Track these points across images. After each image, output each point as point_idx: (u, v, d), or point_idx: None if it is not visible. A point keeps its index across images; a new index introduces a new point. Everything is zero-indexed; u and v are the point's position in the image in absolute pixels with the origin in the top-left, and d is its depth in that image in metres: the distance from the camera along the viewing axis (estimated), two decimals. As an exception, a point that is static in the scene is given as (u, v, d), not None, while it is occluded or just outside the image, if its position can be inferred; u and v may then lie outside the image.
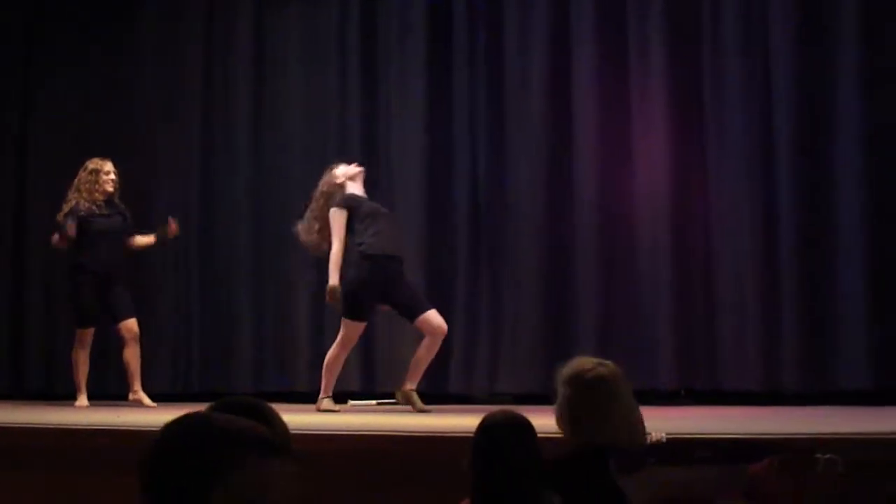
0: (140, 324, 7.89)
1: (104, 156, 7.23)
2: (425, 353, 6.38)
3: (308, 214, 6.62)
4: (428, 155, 7.62)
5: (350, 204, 6.46)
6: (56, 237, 7.07)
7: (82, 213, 7.02)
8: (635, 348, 6.83)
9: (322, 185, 6.63)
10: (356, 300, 6.30)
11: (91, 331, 7.10)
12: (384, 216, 6.52)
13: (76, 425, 5.11)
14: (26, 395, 8.14)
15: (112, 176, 7.14)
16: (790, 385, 6.66)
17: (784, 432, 4.06)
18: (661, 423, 4.56)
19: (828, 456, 2.97)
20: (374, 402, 7.31)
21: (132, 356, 7.07)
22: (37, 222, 8.31)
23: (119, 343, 7.11)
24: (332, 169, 6.66)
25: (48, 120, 8.60)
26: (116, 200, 7.18)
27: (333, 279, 6.32)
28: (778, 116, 6.86)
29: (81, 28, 8.55)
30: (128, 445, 4.32)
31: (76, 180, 7.12)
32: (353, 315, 6.33)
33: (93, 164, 7.14)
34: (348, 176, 6.60)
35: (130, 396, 7.05)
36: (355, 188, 6.58)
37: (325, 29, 8.01)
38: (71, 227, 6.97)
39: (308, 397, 7.39)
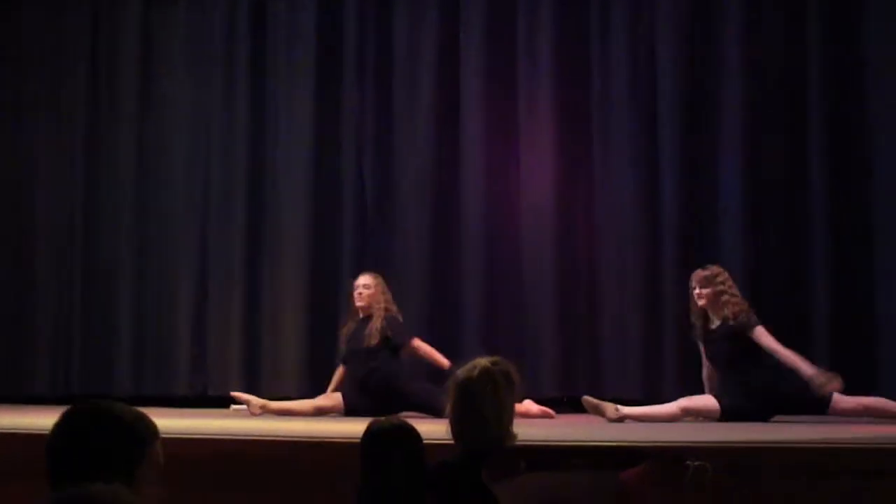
0: (19, 326, 7.72)
1: None
2: None
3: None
4: (315, 164, 7.60)
5: None
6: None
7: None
8: (518, 356, 6.88)
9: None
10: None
11: None
12: None
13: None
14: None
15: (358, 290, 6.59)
16: (670, 393, 6.80)
17: (656, 440, 4.16)
18: (540, 430, 4.64)
19: (697, 463, 3.05)
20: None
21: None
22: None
23: None
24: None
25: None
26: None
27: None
28: (662, 132, 7.02)
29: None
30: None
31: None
32: None
33: None
34: None
35: None
36: None
37: (212, 34, 7.92)
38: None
39: (187, 401, 7.34)
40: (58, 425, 2.08)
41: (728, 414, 5.80)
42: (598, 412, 5.87)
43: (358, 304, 6.57)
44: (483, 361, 3.17)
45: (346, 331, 6.65)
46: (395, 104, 7.52)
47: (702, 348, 6.19)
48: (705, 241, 6.93)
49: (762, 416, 5.77)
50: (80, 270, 7.98)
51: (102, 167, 8.04)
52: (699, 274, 6.12)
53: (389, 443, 2.98)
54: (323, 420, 6.21)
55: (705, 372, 6.18)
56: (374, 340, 6.46)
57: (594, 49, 7.20)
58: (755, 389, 5.87)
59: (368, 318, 6.55)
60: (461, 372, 3.19)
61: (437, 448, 3.13)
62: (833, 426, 5.23)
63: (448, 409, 3.16)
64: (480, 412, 3.07)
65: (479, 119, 7.32)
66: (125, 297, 7.83)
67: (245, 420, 6.04)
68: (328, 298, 7.45)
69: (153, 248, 7.82)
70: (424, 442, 3.10)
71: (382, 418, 3.18)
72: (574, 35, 7.24)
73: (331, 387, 6.67)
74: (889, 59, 6.70)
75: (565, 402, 6.92)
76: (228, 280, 7.66)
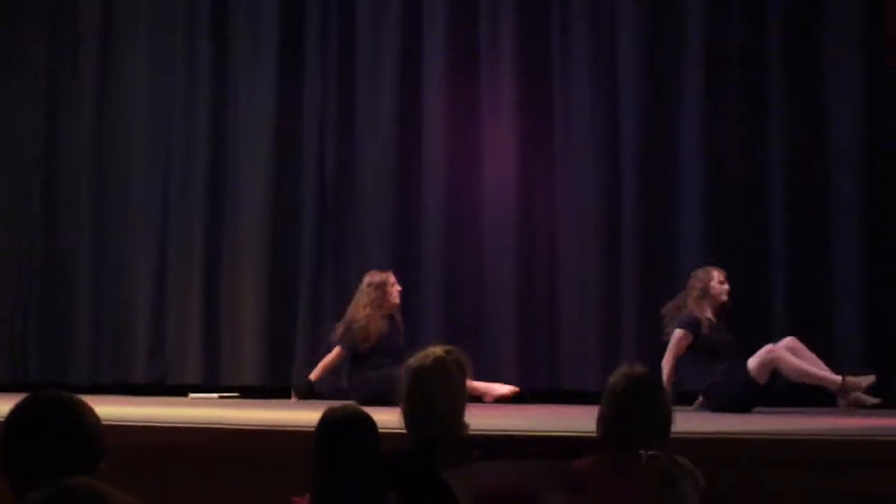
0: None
1: None
2: None
3: None
4: (276, 148, 7.59)
5: None
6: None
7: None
8: (478, 349, 6.92)
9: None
10: None
11: None
12: None
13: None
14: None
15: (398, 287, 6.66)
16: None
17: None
18: (498, 421, 4.68)
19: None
20: (215, 395, 7.28)
21: None
22: None
23: None
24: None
25: None
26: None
27: None
28: (624, 123, 7.07)
29: None
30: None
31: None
32: None
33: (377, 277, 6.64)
34: None
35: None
36: None
37: (173, 19, 7.89)
38: None
39: (145, 389, 7.32)
40: (19, 414, 2.04)
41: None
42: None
43: (399, 301, 6.63)
44: (436, 350, 3.17)
45: (381, 326, 6.60)
46: (358, 90, 7.51)
47: (690, 337, 6.25)
48: (666, 233, 6.99)
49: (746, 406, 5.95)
50: (38, 256, 7.93)
51: (61, 155, 7.99)
52: (724, 273, 6.33)
53: (345, 430, 2.99)
54: (278, 407, 6.23)
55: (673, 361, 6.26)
56: (401, 336, 6.64)
57: (555, 40, 7.22)
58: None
59: (389, 315, 6.63)
60: (414, 360, 3.19)
61: (391, 436, 3.15)
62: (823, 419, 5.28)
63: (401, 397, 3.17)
64: (432, 400, 3.08)
65: (440, 108, 7.33)
66: (83, 282, 7.80)
67: (202, 408, 6.06)
68: (287, 285, 7.46)
69: (111, 233, 7.79)
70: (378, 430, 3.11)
71: (338, 406, 3.19)
72: (535, 27, 7.26)
73: (327, 368, 6.71)
74: (845, 44, 6.78)
75: (527, 395, 6.95)
76: (187, 266, 7.64)
